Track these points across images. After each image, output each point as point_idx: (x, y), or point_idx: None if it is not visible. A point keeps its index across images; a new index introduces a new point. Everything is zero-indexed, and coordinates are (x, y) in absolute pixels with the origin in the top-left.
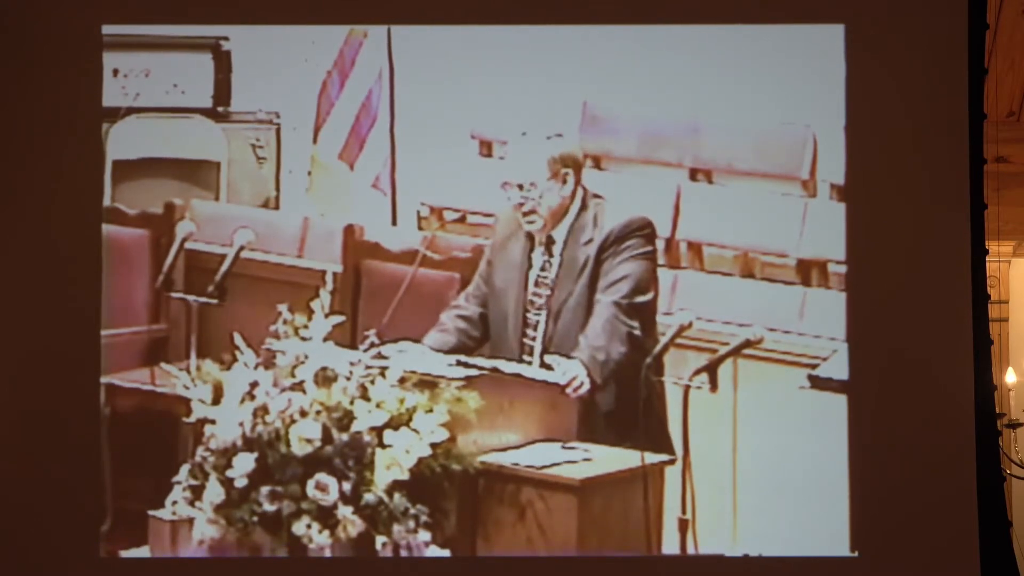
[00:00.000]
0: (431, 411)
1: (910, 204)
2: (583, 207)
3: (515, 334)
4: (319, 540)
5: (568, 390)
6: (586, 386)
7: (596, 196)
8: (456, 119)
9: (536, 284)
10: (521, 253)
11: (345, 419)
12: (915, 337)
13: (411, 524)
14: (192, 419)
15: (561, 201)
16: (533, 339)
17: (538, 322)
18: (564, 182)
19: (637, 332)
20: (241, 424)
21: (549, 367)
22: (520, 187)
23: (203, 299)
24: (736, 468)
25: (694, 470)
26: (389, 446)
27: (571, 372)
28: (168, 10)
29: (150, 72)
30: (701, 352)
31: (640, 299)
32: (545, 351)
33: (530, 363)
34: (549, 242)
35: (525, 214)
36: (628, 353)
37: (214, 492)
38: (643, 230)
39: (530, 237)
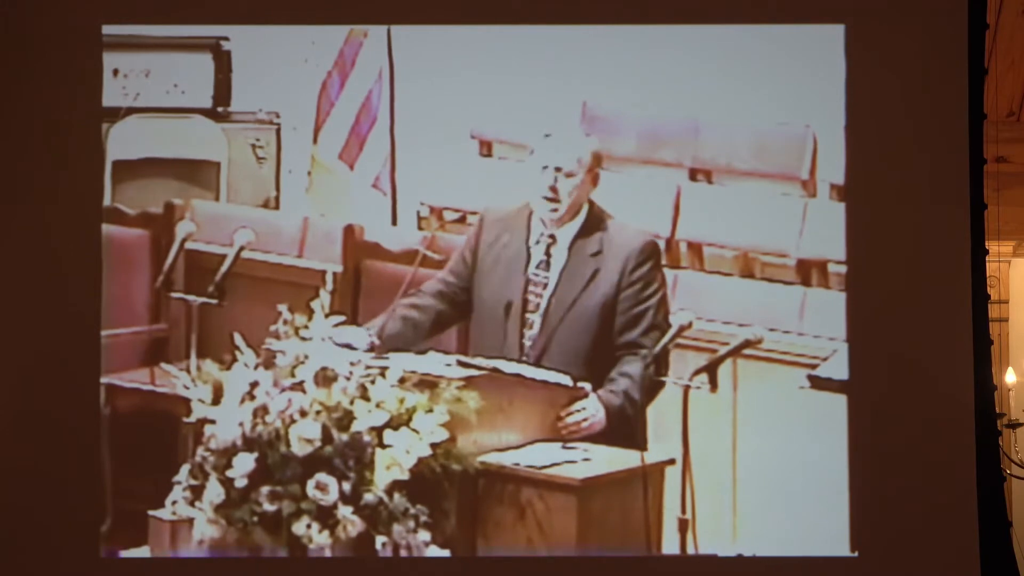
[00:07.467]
0: (431, 411)
1: (910, 204)
2: (591, 212)
3: (514, 333)
4: (319, 540)
5: (569, 418)
6: (600, 425)
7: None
8: (456, 119)
9: (530, 283)
10: (521, 249)
11: (345, 419)
12: (915, 337)
13: (411, 524)
14: (192, 419)
15: (582, 198)
16: (530, 339)
17: (533, 322)
18: (595, 182)
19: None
20: (241, 424)
21: (550, 369)
22: (558, 170)
23: (203, 299)
24: (736, 468)
25: (694, 470)
26: (389, 446)
27: (589, 409)
28: (168, 10)
29: (150, 72)
30: (701, 352)
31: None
32: (542, 354)
33: (527, 362)
34: (551, 242)
35: (550, 199)
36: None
37: (214, 492)
38: (653, 257)
39: (528, 232)
